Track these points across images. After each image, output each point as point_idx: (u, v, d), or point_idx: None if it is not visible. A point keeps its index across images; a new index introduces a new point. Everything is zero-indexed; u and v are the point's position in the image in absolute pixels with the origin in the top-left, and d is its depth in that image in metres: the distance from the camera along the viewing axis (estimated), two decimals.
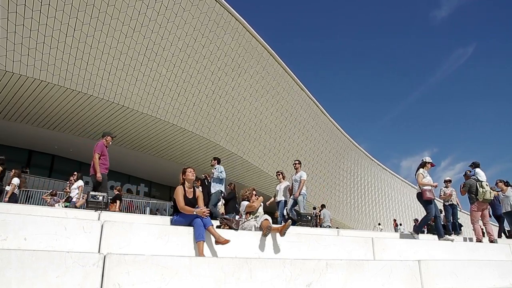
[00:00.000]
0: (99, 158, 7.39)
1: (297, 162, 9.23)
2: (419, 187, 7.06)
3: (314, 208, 19.45)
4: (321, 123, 25.65)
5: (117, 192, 12.19)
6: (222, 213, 9.07)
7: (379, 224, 27.99)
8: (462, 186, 8.33)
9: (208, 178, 9.40)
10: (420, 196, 7.02)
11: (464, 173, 8.67)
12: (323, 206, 16.36)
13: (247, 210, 5.39)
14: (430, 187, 6.97)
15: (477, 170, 9.03)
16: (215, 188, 8.92)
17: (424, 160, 7.33)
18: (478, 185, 8.18)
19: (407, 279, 4.39)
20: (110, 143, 7.82)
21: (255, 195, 5.76)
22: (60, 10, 12.28)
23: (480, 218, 7.96)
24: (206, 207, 4.83)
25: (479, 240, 7.86)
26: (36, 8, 11.83)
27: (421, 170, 7.17)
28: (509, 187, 8.68)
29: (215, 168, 9.16)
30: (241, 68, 18.32)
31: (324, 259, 4.17)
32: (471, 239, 8.99)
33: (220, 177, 9.00)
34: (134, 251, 3.81)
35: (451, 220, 10.19)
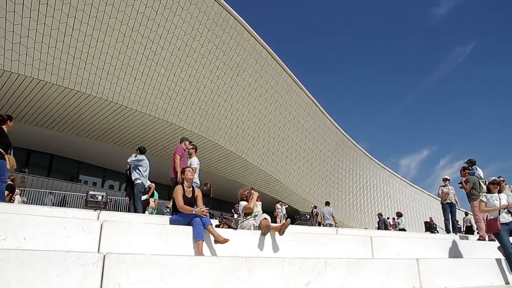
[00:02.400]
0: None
1: (190, 147, 8.28)
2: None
3: (315, 207, 19.45)
4: (319, 122, 25.67)
5: (10, 182, 10.88)
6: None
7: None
8: (465, 181, 8.27)
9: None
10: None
11: (460, 170, 8.63)
12: (327, 203, 16.26)
13: (244, 211, 5.36)
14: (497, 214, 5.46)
15: (477, 167, 9.06)
16: (134, 178, 8.03)
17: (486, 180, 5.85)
18: (481, 182, 8.22)
19: (406, 277, 4.40)
20: (188, 148, 7.88)
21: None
22: (59, 9, 12.25)
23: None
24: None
25: (482, 238, 7.85)
26: (35, 8, 11.80)
27: (482, 197, 5.70)
28: (507, 186, 8.67)
29: (135, 157, 8.28)
30: (240, 67, 18.32)
31: (323, 258, 4.18)
32: (466, 237, 9.02)
33: (138, 167, 8.05)
34: (133, 250, 3.81)
35: (450, 219, 10.20)
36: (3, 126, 6.44)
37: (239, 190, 5.82)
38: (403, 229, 16.42)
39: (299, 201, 26.18)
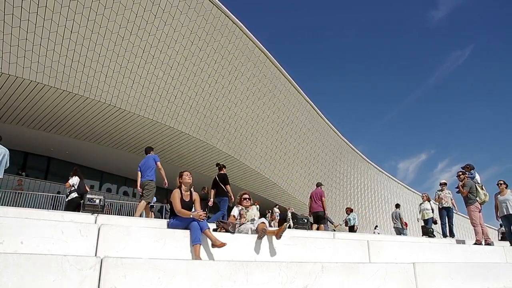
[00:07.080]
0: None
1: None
2: None
3: (288, 209, 19.67)
4: (317, 126, 25.72)
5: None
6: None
7: (376, 227, 28.01)
8: (462, 185, 8.32)
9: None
10: None
11: (458, 174, 8.67)
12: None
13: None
14: None
15: (475, 172, 9.13)
16: None
17: None
18: (478, 186, 8.28)
19: (402, 282, 4.42)
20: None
21: (246, 200, 5.55)
22: (57, 12, 12.27)
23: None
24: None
25: (479, 243, 7.88)
26: (33, 10, 11.81)
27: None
28: (508, 190, 8.70)
29: None
30: (238, 70, 18.36)
31: (320, 262, 4.19)
32: (463, 241, 9.05)
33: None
34: (131, 254, 3.82)
35: (446, 223, 10.24)
36: (221, 172, 8.19)
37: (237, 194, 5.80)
38: (352, 228, 14.86)
39: (297, 205, 26.17)
